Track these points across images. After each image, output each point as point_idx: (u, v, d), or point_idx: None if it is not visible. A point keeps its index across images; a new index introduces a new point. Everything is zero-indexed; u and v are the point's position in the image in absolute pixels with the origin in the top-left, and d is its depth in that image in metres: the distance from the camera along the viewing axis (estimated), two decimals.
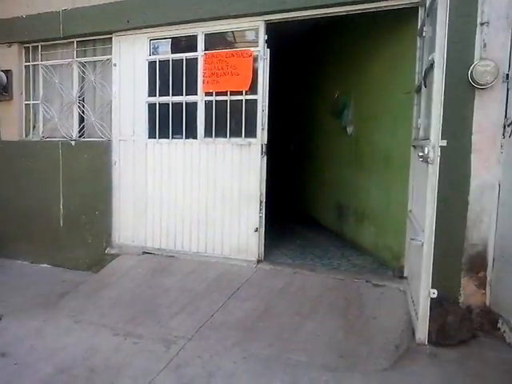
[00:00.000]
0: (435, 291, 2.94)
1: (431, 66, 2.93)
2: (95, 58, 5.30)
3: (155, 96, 4.87)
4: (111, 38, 5.08)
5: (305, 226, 6.53)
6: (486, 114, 3.52)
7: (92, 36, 5.23)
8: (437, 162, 2.84)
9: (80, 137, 5.36)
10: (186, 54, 4.71)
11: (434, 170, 2.86)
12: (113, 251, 5.06)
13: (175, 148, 4.82)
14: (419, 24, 3.83)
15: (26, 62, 5.66)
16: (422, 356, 3.11)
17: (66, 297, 4.23)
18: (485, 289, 3.55)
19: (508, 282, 3.30)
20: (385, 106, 4.73)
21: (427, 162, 2.85)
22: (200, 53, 4.63)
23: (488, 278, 3.53)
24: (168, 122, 4.83)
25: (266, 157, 4.48)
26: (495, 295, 3.46)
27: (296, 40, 7.04)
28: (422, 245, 2.96)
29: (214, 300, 3.87)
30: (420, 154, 2.89)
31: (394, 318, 3.47)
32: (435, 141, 2.85)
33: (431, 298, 2.98)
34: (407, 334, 3.33)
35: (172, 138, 4.83)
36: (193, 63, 4.68)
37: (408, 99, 4.16)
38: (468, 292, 3.58)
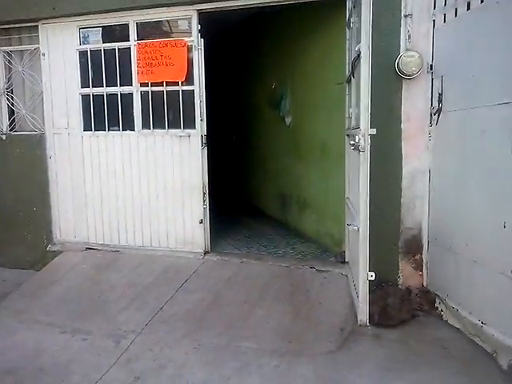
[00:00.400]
0: (373, 274, 3.10)
1: (358, 56, 3.04)
2: (22, 47, 5.03)
3: (88, 87, 4.72)
4: (37, 25, 4.83)
5: (250, 217, 6.61)
6: (413, 103, 3.70)
7: (16, 24, 4.93)
8: (367, 149, 2.97)
9: (11, 130, 5.09)
10: (119, 44, 4.58)
11: (365, 158, 3.00)
12: (54, 248, 4.89)
13: (112, 140, 4.71)
14: (347, 15, 3.93)
15: None
16: (366, 337, 3.28)
17: (8, 297, 4.07)
18: (422, 270, 3.77)
19: (442, 263, 3.54)
20: (320, 96, 4.86)
21: (359, 150, 2.98)
22: (133, 42, 4.53)
23: (424, 260, 3.76)
24: (103, 114, 4.70)
25: (206, 148, 4.48)
26: (431, 276, 3.70)
27: (233, 29, 7.03)
28: (358, 230, 3.11)
29: (162, 293, 3.87)
30: (351, 142, 3.02)
31: (338, 302, 3.63)
32: (365, 129, 2.97)
33: (369, 281, 3.14)
34: (351, 316, 3.48)
35: (109, 130, 4.71)
36: (126, 53, 4.58)
37: (340, 90, 4.30)
38: (406, 274, 3.79)
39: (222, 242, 5.00)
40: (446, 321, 3.50)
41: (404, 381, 2.77)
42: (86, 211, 4.85)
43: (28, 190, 5.01)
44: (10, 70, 5.10)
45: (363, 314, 3.23)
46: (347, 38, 3.97)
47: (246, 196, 7.80)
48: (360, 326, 3.31)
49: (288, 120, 5.74)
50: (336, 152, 4.46)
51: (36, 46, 4.89)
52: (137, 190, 4.66)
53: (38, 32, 4.85)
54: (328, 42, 4.59)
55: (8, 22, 4.92)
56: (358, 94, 3.08)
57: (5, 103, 5.12)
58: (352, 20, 3.62)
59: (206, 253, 4.53)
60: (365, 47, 2.90)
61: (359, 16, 3.08)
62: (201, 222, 4.48)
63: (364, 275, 3.12)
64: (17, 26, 4.97)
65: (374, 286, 3.30)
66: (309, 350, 3.11)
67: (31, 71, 4.98)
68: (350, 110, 3.64)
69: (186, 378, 2.85)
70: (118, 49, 4.57)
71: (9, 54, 5.06)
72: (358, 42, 3.10)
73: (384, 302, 3.48)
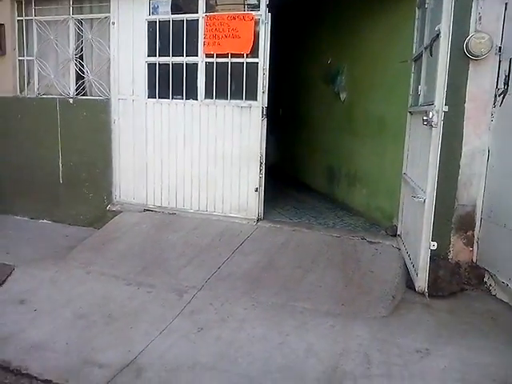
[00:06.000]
0: (435, 243, 3.23)
1: (437, 36, 3.11)
2: (92, 16, 5.24)
3: (155, 56, 4.90)
4: None
5: (296, 190, 6.76)
6: (478, 83, 3.73)
7: None
8: (440, 125, 3.08)
9: (78, 95, 5.37)
10: (187, 16, 4.72)
11: (437, 133, 3.11)
12: (114, 208, 5.18)
13: (175, 108, 4.90)
14: None
15: (18, 16, 5.54)
16: (417, 306, 3.44)
17: (75, 249, 4.37)
18: (472, 246, 3.86)
19: (494, 240, 3.62)
20: (380, 73, 4.92)
21: (431, 125, 3.08)
22: (201, 14, 4.66)
23: (475, 237, 3.84)
24: (168, 83, 4.88)
25: (265, 119, 4.63)
26: (482, 252, 3.78)
27: (297, 2, 7.03)
28: (424, 201, 3.24)
29: (220, 254, 4.10)
30: (424, 117, 3.10)
31: (389, 272, 3.77)
32: (439, 106, 3.08)
33: (431, 250, 3.28)
34: (402, 286, 3.66)
35: (172, 98, 4.90)
36: (193, 24, 4.71)
37: (404, 68, 4.35)
38: (457, 249, 3.88)
39: (272, 211, 5.17)
40: (495, 295, 3.63)
41: (454, 346, 2.92)
42: (146, 174, 5.09)
43: (92, 152, 5.28)
44: (79, 37, 5.34)
45: (422, 281, 3.38)
46: (416, 17, 4.02)
47: (290, 171, 7.92)
48: (418, 292, 3.45)
49: (343, 95, 5.81)
50: (394, 128, 4.54)
51: (106, 14, 5.10)
52: (196, 156, 4.87)
53: (108, 2, 5.04)
54: (393, 20, 4.63)
55: None
56: (432, 72, 3.17)
57: (73, 69, 5.37)
58: (427, 0, 3.66)
59: (258, 220, 4.72)
60: (445, 27, 3.00)
61: None
62: (256, 190, 4.66)
63: (426, 244, 3.26)
64: None
65: None
66: (362, 313, 3.28)
67: (100, 39, 5.20)
68: (419, 87, 3.70)
69: (246, 331, 3.06)
70: (186, 20, 4.72)
71: (80, 21, 5.30)
72: (434, 22, 3.19)
73: (435, 274, 3.60)
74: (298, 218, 5.02)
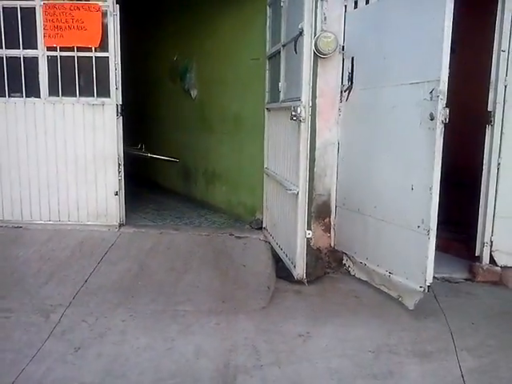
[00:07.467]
0: (310, 232, 3.43)
1: (300, 34, 3.27)
2: None
3: None
4: None
5: (153, 192, 6.54)
6: (326, 80, 4.04)
7: None
8: (308, 119, 3.27)
9: None
10: (21, 2, 4.19)
11: (305, 127, 3.29)
12: None
13: (14, 108, 4.33)
14: None
15: None
16: (289, 293, 3.61)
17: None
18: (330, 232, 4.19)
19: (349, 224, 3.99)
20: (233, 70, 5.02)
21: (300, 120, 3.25)
22: (38, 2, 4.18)
23: (332, 223, 4.18)
24: (3, 79, 4.29)
25: (121, 118, 4.38)
26: (339, 237, 4.14)
27: None
28: (298, 194, 3.39)
29: (83, 266, 3.76)
30: (293, 113, 3.25)
31: (260, 264, 3.90)
32: (306, 101, 3.26)
33: (306, 239, 3.46)
34: (273, 276, 3.81)
35: (9, 96, 4.33)
36: (30, 13, 4.22)
37: (256, 65, 4.52)
38: (317, 236, 4.14)
39: (133, 215, 4.92)
40: (354, 275, 3.98)
41: (331, 325, 3.15)
42: None
43: None
44: None
45: (300, 269, 3.53)
46: (268, 15, 4.18)
47: (141, 171, 7.63)
48: (297, 280, 3.61)
49: (193, 93, 5.80)
50: (252, 124, 4.68)
51: None
52: (43, 161, 4.36)
53: None
54: (245, 18, 4.73)
55: None
56: (292, 68, 3.34)
57: None
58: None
59: (121, 225, 4.45)
60: (307, 25, 3.17)
61: None
62: (116, 193, 4.38)
63: (302, 233, 3.43)
64: None
65: None
66: (243, 307, 3.33)
67: None
68: (280, 84, 3.86)
69: (130, 343, 2.87)
70: (21, 8, 4.19)
71: None
72: (290, 20, 3.37)
73: None
74: (162, 220, 4.88)
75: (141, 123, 7.49)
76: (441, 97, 2.91)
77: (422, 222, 3.12)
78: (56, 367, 2.61)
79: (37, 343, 2.82)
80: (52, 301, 3.30)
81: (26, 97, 4.33)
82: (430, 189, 3.02)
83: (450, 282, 3.88)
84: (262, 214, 4.52)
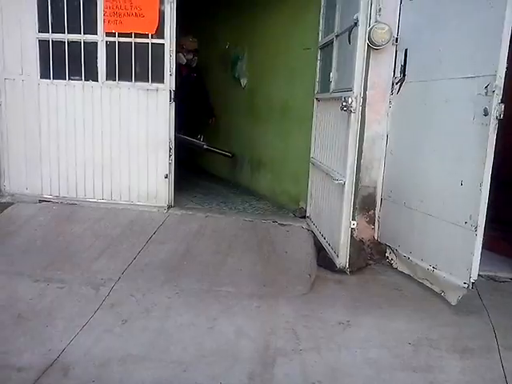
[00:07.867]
0: (355, 222, 3.46)
1: (355, 24, 3.28)
2: None
3: (47, 32, 4.46)
4: None
5: (198, 176, 6.68)
6: (378, 72, 4.00)
7: None
8: (359, 110, 3.28)
9: None
10: None
11: (356, 118, 3.30)
12: (4, 200, 4.66)
13: (73, 90, 4.54)
14: None
15: None
16: (330, 282, 3.65)
17: None
18: (374, 224, 4.18)
19: (394, 217, 3.96)
20: (283, 60, 5.05)
21: (350, 111, 3.26)
22: None
23: (376, 216, 4.16)
24: (64, 62, 4.48)
25: (174, 103, 4.50)
26: (383, 229, 4.12)
27: None
28: (344, 184, 3.42)
29: (133, 244, 3.92)
30: (344, 103, 3.27)
31: (302, 252, 3.94)
32: (358, 92, 3.27)
33: (351, 228, 3.49)
34: (314, 264, 3.85)
35: (69, 79, 4.52)
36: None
37: (306, 54, 4.53)
38: (360, 228, 4.14)
39: (181, 198, 5.05)
40: (396, 268, 3.96)
41: (372, 315, 3.16)
42: (41, 163, 4.65)
43: None
44: None
45: (343, 258, 3.57)
46: (323, 4, 4.18)
47: (189, 156, 7.79)
48: (339, 269, 3.66)
49: (243, 81, 5.87)
50: (299, 114, 4.71)
51: None
52: (99, 143, 4.56)
53: None
54: (295, 7, 4.75)
55: None
56: (344, 59, 3.35)
57: None
58: None
59: (169, 207, 4.60)
60: (363, 16, 3.17)
61: None
62: (166, 176, 4.54)
63: (347, 223, 3.46)
64: None
65: None
66: (284, 292, 3.40)
67: None
68: (331, 74, 3.87)
69: (174, 319, 2.99)
70: None
71: None
72: (344, 10, 3.39)
73: None
74: (209, 204, 5.01)
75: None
76: (496, 92, 2.84)
77: (470, 218, 3.07)
78: (104, 337, 2.77)
79: (87, 314, 2.99)
80: (102, 275, 3.48)
81: (85, 80, 4.51)
82: (480, 185, 2.96)
83: (495, 280, 3.80)
84: (306, 203, 4.56)
